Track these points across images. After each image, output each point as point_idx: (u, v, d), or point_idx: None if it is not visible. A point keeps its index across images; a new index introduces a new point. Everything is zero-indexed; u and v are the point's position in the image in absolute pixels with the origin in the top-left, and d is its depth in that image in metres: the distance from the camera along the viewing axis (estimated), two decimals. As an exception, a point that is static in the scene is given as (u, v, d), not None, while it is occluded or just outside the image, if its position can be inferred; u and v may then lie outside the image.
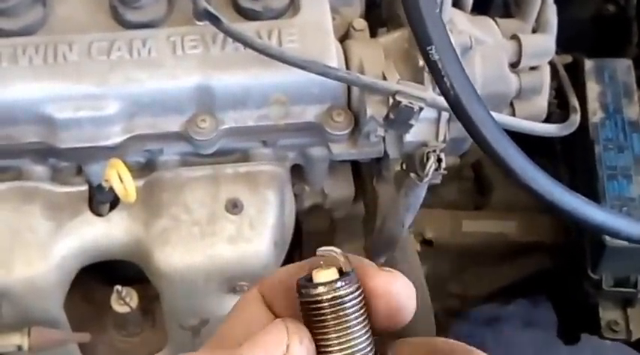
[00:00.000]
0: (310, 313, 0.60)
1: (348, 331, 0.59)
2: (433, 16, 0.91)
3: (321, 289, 0.59)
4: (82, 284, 1.34)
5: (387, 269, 0.61)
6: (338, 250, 0.60)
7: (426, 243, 1.65)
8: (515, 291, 1.82)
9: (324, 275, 0.59)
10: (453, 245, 1.67)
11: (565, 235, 1.61)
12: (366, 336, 0.59)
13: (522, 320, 2.27)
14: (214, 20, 1.20)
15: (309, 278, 0.60)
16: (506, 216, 1.68)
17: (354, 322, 0.59)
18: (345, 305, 0.59)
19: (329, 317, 0.59)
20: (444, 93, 0.93)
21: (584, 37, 1.70)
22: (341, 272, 0.60)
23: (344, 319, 0.59)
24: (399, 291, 0.60)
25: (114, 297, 1.39)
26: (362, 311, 0.59)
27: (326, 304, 0.59)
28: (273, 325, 0.60)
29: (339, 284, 0.59)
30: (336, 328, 0.59)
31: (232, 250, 1.27)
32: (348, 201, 1.51)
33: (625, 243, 1.14)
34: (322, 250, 0.60)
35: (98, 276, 1.45)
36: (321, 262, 0.60)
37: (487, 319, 2.25)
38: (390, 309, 0.60)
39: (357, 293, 0.59)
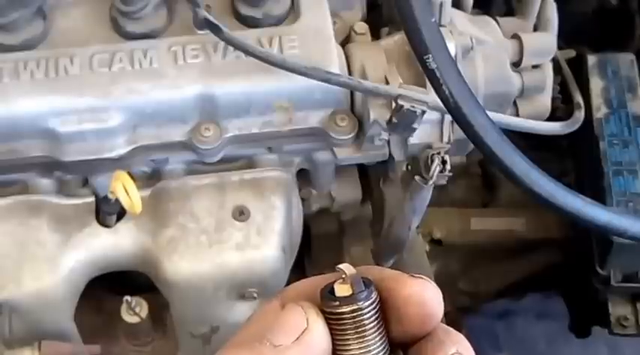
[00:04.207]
0: (332, 322, 0.62)
1: (367, 337, 0.62)
2: (429, 25, 0.91)
3: (343, 303, 0.61)
4: (91, 295, 1.34)
5: (419, 276, 0.62)
6: (353, 269, 0.62)
7: (435, 242, 1.65)
8: (526, 287, 1.82)
9: (346, 288, 0.61)
10: (462, 243, 1.67)
11: (574, 230, 1.61)
12: (383, 340, 0.62)
13: (535, 313, 2.27)
14: (215, 29, 1.20)
15: (331, 290, 0.62)
16: (514, 212, 1.68)
17: (372, 330, 0.62)
18: (365, 316, 0.61)
19: (349, 326, 0.61)
20: (443, 100, 0.93)
21: (586, 31, 1.69)
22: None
23: (363, 327, 0.61)
24: (432, 297, 0.61)
25: (124, 308, 1.39)
26: (379, 319, 0.62)
27: (348, 316, 0.61)
28: (289, 308, 0.62)
29: (360, 297, 0.61)
30: (356, 335, 0.61)
31: (240, 257, 1.27)
32: (356, 204, 1.51)
33: (632, 239, 1.14)
34: (341, 267, 0.62)
35: (107, 287, 1.45)
36: (343, 276, 0.62)
37: (500, 312, 2.25)
38: (423, 316, 0.61)
39: (375, 304, 0.62)
